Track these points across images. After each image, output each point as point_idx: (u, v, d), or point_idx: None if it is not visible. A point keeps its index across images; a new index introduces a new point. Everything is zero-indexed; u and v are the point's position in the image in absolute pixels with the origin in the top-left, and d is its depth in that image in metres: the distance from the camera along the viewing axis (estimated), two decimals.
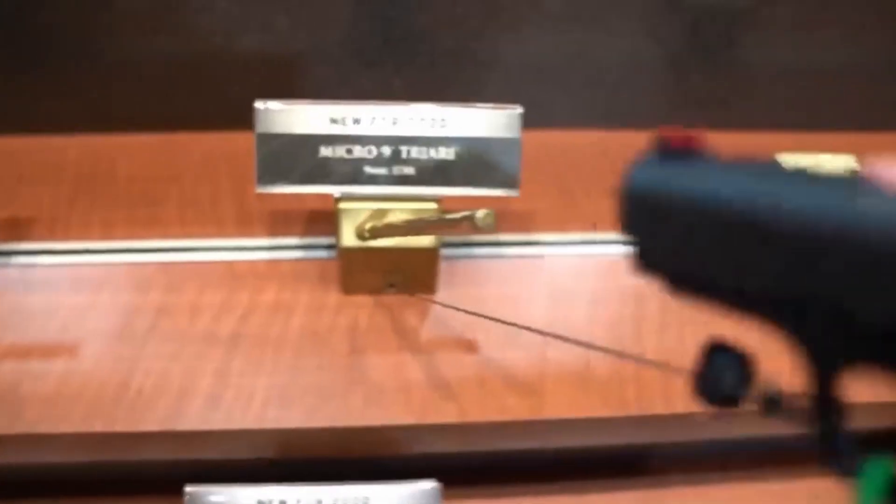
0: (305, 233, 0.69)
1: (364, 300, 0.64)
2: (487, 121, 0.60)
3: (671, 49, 0.75)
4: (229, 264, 0.67)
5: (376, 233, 0.59)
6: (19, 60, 0.73)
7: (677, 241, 0.22)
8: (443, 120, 0.59)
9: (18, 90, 0.75)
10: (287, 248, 0.68)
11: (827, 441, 0.20)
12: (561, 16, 0.72)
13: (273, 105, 0.59)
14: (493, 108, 0.60)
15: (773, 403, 0.21)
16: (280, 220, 0.70)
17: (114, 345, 0.60)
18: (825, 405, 0.19)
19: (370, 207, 0.60)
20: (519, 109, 0.59)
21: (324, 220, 0.65)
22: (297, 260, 0.67)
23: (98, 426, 0.56)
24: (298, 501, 0.59)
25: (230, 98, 0.65)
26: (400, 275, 0.62)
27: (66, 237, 0.68)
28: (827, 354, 0.19)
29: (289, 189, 0.60)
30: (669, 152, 0.23)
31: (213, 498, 0.58)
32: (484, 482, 0.66)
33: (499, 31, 0.73)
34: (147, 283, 0.65)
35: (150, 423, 0.57)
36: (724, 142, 0.81)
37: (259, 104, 0.58)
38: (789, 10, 0.75)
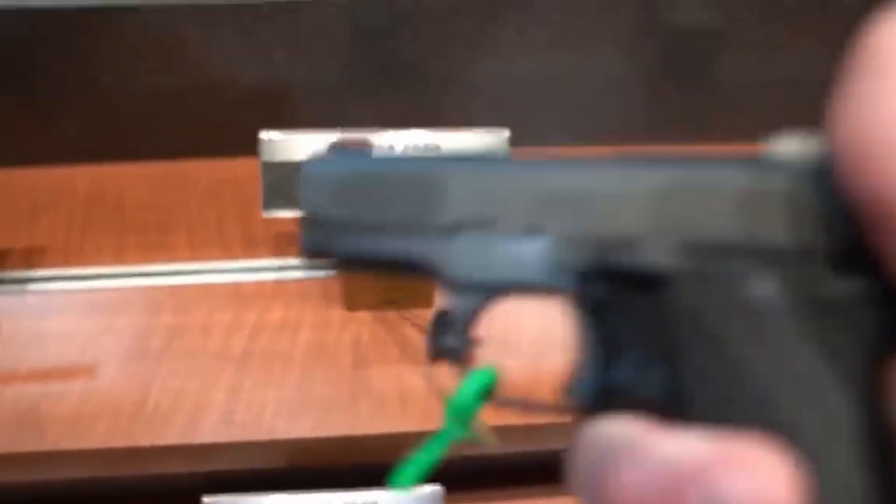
0: None
1: (366, 316, 0.67)
2: (478, 143, 0.64)
3: (650, 69, 0.79)
4: (237, 286, 0.70)
5: None
6: (30, 96, 0.77)
7: (350, 218, 0.26)
8: (437, 145, 0.63)
9: (30, 124, 0.78)
10: (291, 269, 0.72)
11: (435, 346, 0.25)
12: (545, 42, 0.76)
13: (276, 135, 0.63)
14: (482, 131, 0.64)
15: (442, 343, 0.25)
16: (284, 242, 0.74)
17: (130, 365, 0.63)
18: (440, 318, 0.25)
19: None
20: (506, 132, 0.63)
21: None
22: (302, 280, 0.71)
23: (118, 442, 0.59)
24: None
25: (234, 127, 0.68)
26: (399, 291, 0.66)
27: (79, 263, 0.72)
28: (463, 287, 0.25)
29: (293, 213, 0.64)
30: (344, 152, 0.28)
31: None
32: (485, 486, 0.69)
33: (486, 58, 0.77)
34: (159, 305, 0.68)
35: (168, 437, 0.59)
36: (703, 153, 0.85)
37: (263, 135, 0.62)
38: (759, 30, 0.79)
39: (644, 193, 0.22)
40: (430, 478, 0.61)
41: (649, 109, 0.81)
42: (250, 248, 0.73)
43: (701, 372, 0.21)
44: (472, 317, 0.25)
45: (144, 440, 0.59)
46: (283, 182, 0.63)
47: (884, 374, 0.19)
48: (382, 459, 0.67)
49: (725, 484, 0.17)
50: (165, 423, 0.60)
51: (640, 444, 0.19)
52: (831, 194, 0.20)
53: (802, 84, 0.82)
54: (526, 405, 0.24)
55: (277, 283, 0.70)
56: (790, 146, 0.21)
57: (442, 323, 0.25)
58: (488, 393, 0.25)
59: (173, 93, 0.77)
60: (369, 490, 0.63)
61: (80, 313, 0.67)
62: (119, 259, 0.72)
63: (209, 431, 0.60)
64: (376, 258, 0.26)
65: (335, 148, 0.29)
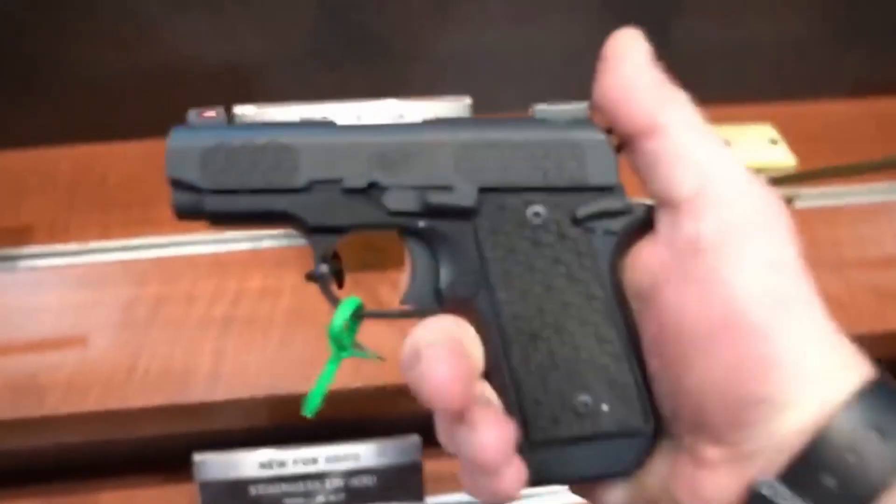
0: None
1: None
2: (443, 111, 0.67)
3: (605, 37, 0.82)
4: (218, 256, 0.73)
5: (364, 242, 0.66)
6: (11, 81, 0.79)
7: (215, 182, 0.31)
8: (401, 114, 0.66)
9: (12, 108, 0.80)
10: (270, 238, 0.75)
11: (316, 275, 0.32)
12: (506, 15, 0.78)
13: (247, 109, 0.65)
14: (446, 99, 0.67)
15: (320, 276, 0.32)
16: None
17: (120, 333, 0.67)
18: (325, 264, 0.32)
19: None
20: (468, 99, 0.66)
21: None
22: (280, 248, 0.74)
23: (112, 405, 0.62)
24: (295, 461, 0.66)
25: (207, 103, 0.71)
26: (374, 254, 0.69)
27: (67, 240, 0.74)
28: (326, 231, 0.31)
29: None
30: (204, 122, 0.32)
31: (219, 463, 0.65)
32: None
33: (449, 30, 0.79)
34: (145, 276, 0.71)
35: (158, 399, 0.62)
36: None
37: (237, 109, 0.65)
38: None
39: (450, 149, 0.30)
40: (408, 429, 0.65)
41: None
42: None
43: (501, 271, 0.30)
44: (329, 251, 0.31)
45: (136, 402, 0.62)
46: None
47: (623, 259, 0.30)
48: (362, 413, 0.71)
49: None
50: (155, 386, 0.63)
51: (449, 337, 0.29)
52: (584, 142, 0.30)
53: (753, 47, 0.86)
54: (383, 314, 0.32)
55: (256, 252, 0.74)
56: (555, 109, 0.31)
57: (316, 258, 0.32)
58: (358, 316, 0.31)
59: (148, 73, 0.79)
60: (350, 443, 0.67)
61: (70, 287, 0.70)
62: (105, 234, 0.75)
63: (197, 392, 0.63)
64: (244, 214, 0.31)
65: (193, 118, 0.32)
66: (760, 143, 0.71)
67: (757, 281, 0.27)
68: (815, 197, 0.78)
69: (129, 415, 0.63)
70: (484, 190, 0.30)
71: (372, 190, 0.30)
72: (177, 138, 0.31)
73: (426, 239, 0.32)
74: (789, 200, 0.70)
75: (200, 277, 0.71)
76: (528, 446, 0.29)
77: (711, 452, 0.28)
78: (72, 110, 0.81)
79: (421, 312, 0.31)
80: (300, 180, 0.30)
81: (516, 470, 0.28)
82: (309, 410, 0.34)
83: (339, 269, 0.32)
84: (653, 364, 0.29)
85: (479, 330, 0.30)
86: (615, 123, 0.29)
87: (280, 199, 0.31)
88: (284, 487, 0.66)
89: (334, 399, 0.64)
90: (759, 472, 0.27)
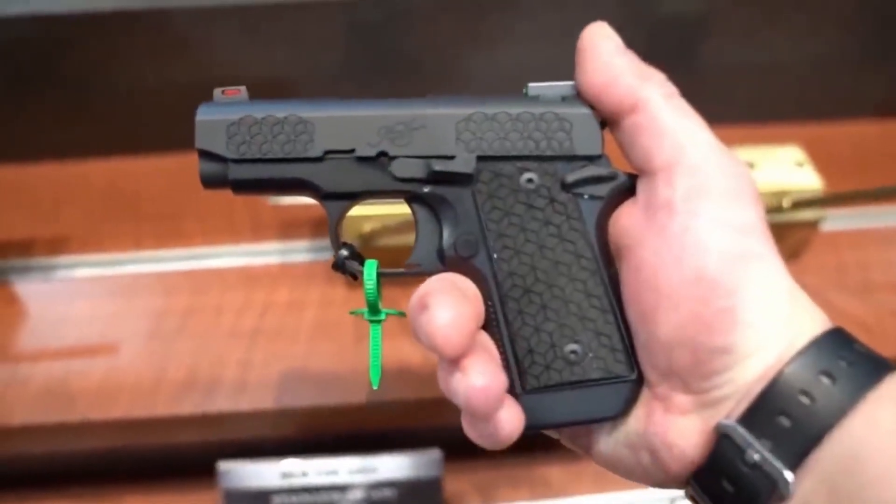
0: (313, 237, 0.77)
1: (363, 293, 0.71)
2: None
3: None
4: (246, 269, 0.74)
5: (376, 234, 0.67)
6: (51, 96, 0.81)
7: (257, 142, 0.34)
8: None
9: (50, 122, 0.82)
10: (297, 252, 0.76)
11: (339, 262, 0.35)
12: (531, 35, 0.79)
13: None
14: None
15: (341, 263, 0.35)
16: (290, 227, 0.78)
17: (149, 343, 0.68)
18: (336, 236, 0.35)
19: (371, 213, 0.67)
20: None
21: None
22: (307, 262, 0.75)
23: (139, 412, 0.63)
24: (318, 472, 0.67)
25: None
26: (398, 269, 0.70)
27: (99, 251, 0.76)
28: (340, 197, 0.34)
29: (296, 200, 0.67)
30: (228, 99, 0.35)
31: (242, 472, 0.66)
32: (483, 451, 0.73)
33: (476, 51, 0.80)
34: (175, 288, 0.73)
35: (185, 408, 0.64)
36: None
37: None
38: (738, 18, 0.82)
39: (452, 122, 0.33)
40: (430, 443, 0.65)
41: None
42: (258, 233, 0.77)
43: (498, 233, 0.33)
44: (342, 213, 0.35)
45: (164, 410, 0.64)
46: None
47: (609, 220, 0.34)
48: (385, 427, 0.72)
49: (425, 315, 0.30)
50: (182, 395, 0.64)
51: (449, 287, 0.31)
52: (572, 116, 0.33)
53: (779, 68, 0.86)
54: (397, 274, 0.35)
55: (284, 265, 0.75)
56: (546, 86, 0.34)
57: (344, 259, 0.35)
58: (379, 274, 0.34)
59: (183, 89, 0.79)
60: (372, 455, 0.67)
61: (101, 297, 0.72)
62: (136, 246, 0.76)
63: (223, 402, 0.64)
64: (264, 181, 0.34)
65: (219, 95, 0.35)
66: (787, 166, 0.70)
67: (722, 239, 0.30)
68: (841, 219, 0.77)
69: (157, 422, 0.64)
70: (482, 158, 0.33)
71: (381, 159, 0.33)
72: (204, 112, 0.35)
73: (430, 204, 0.34)
74: (815, 223, 0.70)
75: (229, 290, 0.73)
76: (523, 393, 0.32)
77: (681, 399, 0.31)
78: (108, 125, 0.83)
79: (428, 272, 0.34)
80: (316, 150, 0.34)
81: (512, 414, 0.31)
82: (374, 383, 0.38)
83: (358, 253, 0.36)
84: (630, 317, 0.32)
85: (478, 286, 0.33)
86: (600, 105, 0.33)
87: (297, 167, 0.34)
88: (306, 498, 0.67)
89: (358, 412, 0.66)
90: (725, 417, 0.30)
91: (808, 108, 0.86)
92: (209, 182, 0.35)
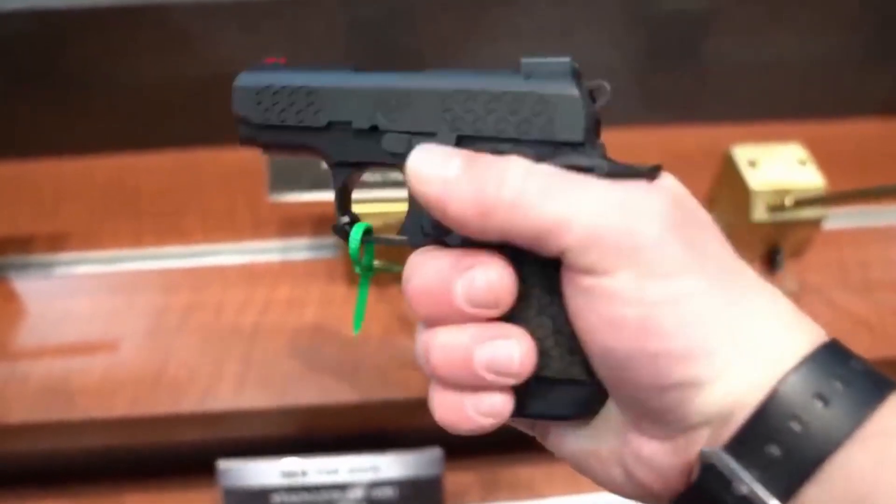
0: (314, 235, 0.77)
1: (368, 292, 0.71)
2: None
3: (636, 56, 0.82)
4: (247, 266, 0.74)
5: (378, 231, 0.66)
6: (51, 92, 0.81)
7: (263, 119, 0.35)
8: None
9: (51, 118, 0.82)
10: (298, 250, 0.76)
11: (339, 227, 0.37)
12: (533, 32, 0.79)
13: None
14: None
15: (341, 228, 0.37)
16: (291, 224, 0.78)
17: (149, 340, 0.68)
18: (342, 202, 0.36)
19: (374, 211, 0.67)
20: None
21: (330, 223, 0.72)
22: (308, 260, 0.75)
23: (140, 410, 0.63)
24: (318, 471, 0.67)
25: None
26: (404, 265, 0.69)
27: (100, 247, 0.76)
28: (343, 165, 0.35)
29: (298, 197, 0.68)
30: (265, 66, 0.37)
31: (242, 471, 0.66)
32: (484, 449, 0.73)
33: (477, 48, 0.80)
34: (175, 285, 0.72)
35: (185, 405, 0.63)
36: (686, 135, 0.89)
37: None
38: (740, 15, 0.82)
39: (438, 98, 0.32)
40: (430, 442, 0.65)
41: (636, 94, 0.85)
42: (259, 230, 0.77)
43: None
44: (347, 180, 0.36)
45: (164, 409, 0.63)
46: (288, 168, 0.67)
47: None
48: (385, 425, 0.71)
49: (471, 274, 0.30)
50: (183, 392, 0.64)
51: (426, 258, 0.31)
52: (555, 97, 0.31)
53: (782, 66, 0.86)
54: (388, 241, 0.36)
55: (284, 263, 0.75)
56: (539, 62, 0.31)
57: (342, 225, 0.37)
58: (369, 238, 0.36)
59: (184, 86, 0.80)
60: (372, 454, 0.67)
61: (102, 293, 0.72)
62: (137, 243, 0.76)
63: (223, 400, 0.64)
64: (287, 146, 0.36)
65: (257, 63, 0.37)
66: (789, 164, 0.70)
67: (647, 294, 0.27)
68: (843, 218, 0.77)
69: (157, 420, 0.64)
70: (462, 138, 0.32)
71: (374, 132, 0.34)
72: (241, 79, 0.36)
73: None
74: (817, 221, 0.70)
75: (229, 287, 0.72)
76: None
77: (654, 427, 0.29)
78: (108, 121, 0.83)
79: (413, 244, 0.34)
80: (322, 121, 0.35)
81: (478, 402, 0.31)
82: (356, 328, 0.40)
83: (358, 220, 0.37)
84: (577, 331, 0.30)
85: None
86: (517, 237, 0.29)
87: (309, 135, 0.35)
88: (306, 497, 0.66)
89: (358, 411, 0.65)
90: (706, 442, 0.27)
91: (810, 106, 0.86)
92: (244, 142, 0.37)
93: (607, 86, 0.31)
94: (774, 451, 0.26)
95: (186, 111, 0.81)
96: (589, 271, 0.27)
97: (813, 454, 0.25)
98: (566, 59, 0.31)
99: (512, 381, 0.30)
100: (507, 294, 0.30)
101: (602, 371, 0.29)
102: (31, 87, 0.80)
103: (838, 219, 0.76)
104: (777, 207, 0.68)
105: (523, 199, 0.28)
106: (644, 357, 0.27)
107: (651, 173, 0.29)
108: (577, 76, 0.31)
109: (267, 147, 0.37)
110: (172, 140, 0.81)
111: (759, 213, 0.69)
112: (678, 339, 0.27)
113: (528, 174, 0.28)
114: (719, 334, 0.27)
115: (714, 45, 0.83)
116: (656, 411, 0.28)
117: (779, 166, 0.70)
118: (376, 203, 0.66)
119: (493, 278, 0.30)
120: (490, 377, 0.30)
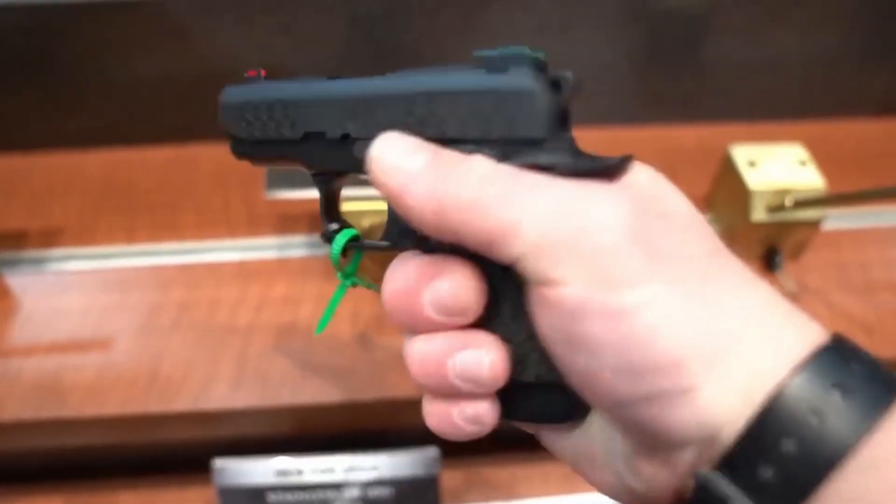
0: (310, 232, 0.76)
1: (364, 290, 0.70)
2: None
3: (635, 54, 0.82)
4: (242, 263, 0.74)
5: (375, 229, 0.66)
6: (45, 86, 0.80)
7: (258, 125, 0.35)
8: None
9: (45, 112, 0.81)
10: (294, 247, 0.75)
11: (325, 233, 0.36)
12: (532, 29, 0.78)
13: None
14: None
15: (327, 234, 0.36)
16: (286, 222, 0.77)
17: (143, 338, 0.67)
18: (328, 210, 0.36)
19: (370, 209, 0.67)
20: None
21: None
22: (304, 257, 0.74)
23: (133, 409, 0.63)
24: (313, 470, 0.66)
25: None
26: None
27: (93, 243, 0.75)
28: (324, 174, 0.35)
29: (294, 194, 0.67)
30: (246, 79, 0.36)
31: (237, 469, 0.66)
32: (480, 449, 0.72)
33: (475, 44, 0.79)
34: (169, 282, 0.72)
35: (179, 404, 0.63)
36: (685, 134, 0.88)
37: None
38: (740, 14, 0.81)
39: (401, 103, 0.31)
40: (427, 441, 0.65)
41: (636, 93, 0.84)
42: (254, 227, 0.76)
43: None
44: (330, 188, 0.36)
45: (157, 407, 0.63)
46: None
47: None
48: (382, 424, 0.71)
49: (436, 284, 0.29)
50: (177, 391, 0.64)
51: (399, 265, 0.30)
52: (511, 93, 0.29)
53: (781, 66, 0.85)
54: (373, 246, 0.34)
55: (280, 260, 0.74)
56: (493, 55, 0.29)
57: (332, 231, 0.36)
58: (354, 243, 0.36)
59: (180, 81, 0.79)
60: (368, 454, 0.67)
61: (95, 290, 0.71)
62: (131, 239, 0.75)
63: (218, 399, 0.63)
64: (271, 158, 0.36)
65: (245, 76, 0.37)
66: (789, 164, 0.70)
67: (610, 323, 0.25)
68: (842, 218, 0.77)
69: (150, 419, 0.63)
70: (428, 140, 0.31)
71: (346, 140, 0.33)
72: (225, 95, 0.36)
73: None
74: (817, 222, 0.70)
75: (224, 284, 0.72)
76: None
77: (636, 439, 0.27)
78: (103, 115, 0.82)
79: (395, 248, 0.33)
80: (298, 132, 0.34)
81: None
82: (318, 331, 0.39)
83: (347, 226, 0.37)
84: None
85: None
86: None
87: (289, 147, 0.35)
88: (302, 496, 0.66)
89: (354, 410, 0.65)
90: (694, 460, 0.26)
91: (810, 106, 0.86)
92: (236, 156, 0.37)
93: (570, 75, 0.28)
94: (767, 473, 0.24)
95: (181, 105, 0.81)
96: (542, 281, 0.26)
97: (808, 477, 0.24)
98: (524, 50, 0.29)
99: (486, 390, 0.30)
100: (473, 302, 0.29)
101: (571, 382, 0.28)
102: (23, 81, 0.79)
103: (837, 220, 0.76)
104: (776, 208, 0.68)
105: (479, 202, 0.26)
106: (604, 372, 0.25)
107: (619, 167, 0.27)
108: (538, 67, 0.29)
109: (256, 160, 0.37)
110: (167, 135, 0.81)
111: (759, 214, 0.68)
112: (636, 353, 0.25)
113: (489, 175, 0.27)
114: (694, 343, 0.24)
115: (714, 45, 0.83)
116: (632, 426, 0.27)
117: (778, 166, 0.70)
118: (376, 202, 0.66)
119: (458, 287, 0.29)
120: (465, 386, 0.29)
